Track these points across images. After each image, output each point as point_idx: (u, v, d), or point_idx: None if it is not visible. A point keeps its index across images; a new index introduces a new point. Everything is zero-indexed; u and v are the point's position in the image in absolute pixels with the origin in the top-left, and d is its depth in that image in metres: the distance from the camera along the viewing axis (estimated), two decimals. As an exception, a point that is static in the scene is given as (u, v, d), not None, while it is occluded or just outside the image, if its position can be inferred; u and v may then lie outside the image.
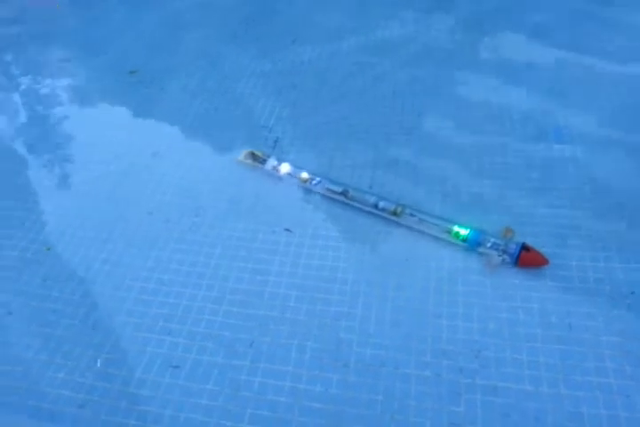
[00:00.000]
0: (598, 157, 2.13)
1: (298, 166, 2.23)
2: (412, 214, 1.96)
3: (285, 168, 2.22)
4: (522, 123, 2.33)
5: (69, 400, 1.66)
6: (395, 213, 1.97)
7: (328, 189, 2.12)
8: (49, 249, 2.11)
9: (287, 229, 2.02)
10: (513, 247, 1.79)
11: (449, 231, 1.89)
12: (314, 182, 2.16)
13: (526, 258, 1.77)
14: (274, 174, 2.25)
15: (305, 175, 2.18)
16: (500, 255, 1.80)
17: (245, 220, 2.09)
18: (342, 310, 1.76)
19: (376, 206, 2.01)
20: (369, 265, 1.89)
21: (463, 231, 1.87)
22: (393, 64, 2.80)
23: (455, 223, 1.90)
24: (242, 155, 2.33)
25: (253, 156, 2.31)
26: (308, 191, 2.17)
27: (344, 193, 2.08)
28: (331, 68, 2.85)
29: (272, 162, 2.27)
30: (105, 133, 2.65)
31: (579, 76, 2.52)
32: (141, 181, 2.34)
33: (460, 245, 1.88)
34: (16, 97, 3.05)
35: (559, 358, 1.57)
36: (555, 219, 1.93)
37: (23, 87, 3.11)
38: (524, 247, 1.78)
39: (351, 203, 2.06)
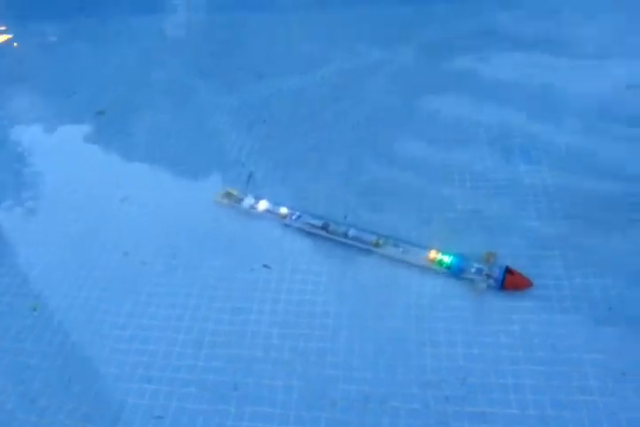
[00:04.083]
0: (566, 175, 2.18)
1: (273, 200, 2.23)
2: (395, 245, 1.96)
3: (263, 205, 2.21)
4: (491, 143, 2.39)
5: (48, 460, 1.60)
6: (377, 245, 1.97)
7: (308, 224, 2.11)
8: (36, 310, 2.02)
9: (265, 266, 2.00)
10: (497, 271, 1.80)
11: (432, 260, 1.89)
12: (293, 217, 2.14)
13: (512, 282, 1.78)
14: (251, 212, 2.23)
15: (284, 211, 2.17)
16: (484, 281, 1.80)
17: (223, 258, 2.07)
18: (325, 345, 1.74)
19: (356, 239, 2.00)
20: (349, 297, 1.88)
21: (446, 259, 1.87)
22: (362, 92, 2.86)
23: (437, 251, 1.90)
24: (218, 195, 2.30)
25: (230, 195, 2.29)
26: (286, 226, 2.16)
27: (324, 227, 2.07)
28: (300, 100, 2.89)
29: (249, 200, 2.25)
30: (75, 177, 2.62)
31: (545, 95, 2.60)
32: (114, 224, 2.31)
33: (442, 272, 1.88)
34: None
35: (544, 380, 1.57)
36: (529, 239, 1.96)
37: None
38: (508, 271, 1.80)
39: (332, 237, 2.05)
